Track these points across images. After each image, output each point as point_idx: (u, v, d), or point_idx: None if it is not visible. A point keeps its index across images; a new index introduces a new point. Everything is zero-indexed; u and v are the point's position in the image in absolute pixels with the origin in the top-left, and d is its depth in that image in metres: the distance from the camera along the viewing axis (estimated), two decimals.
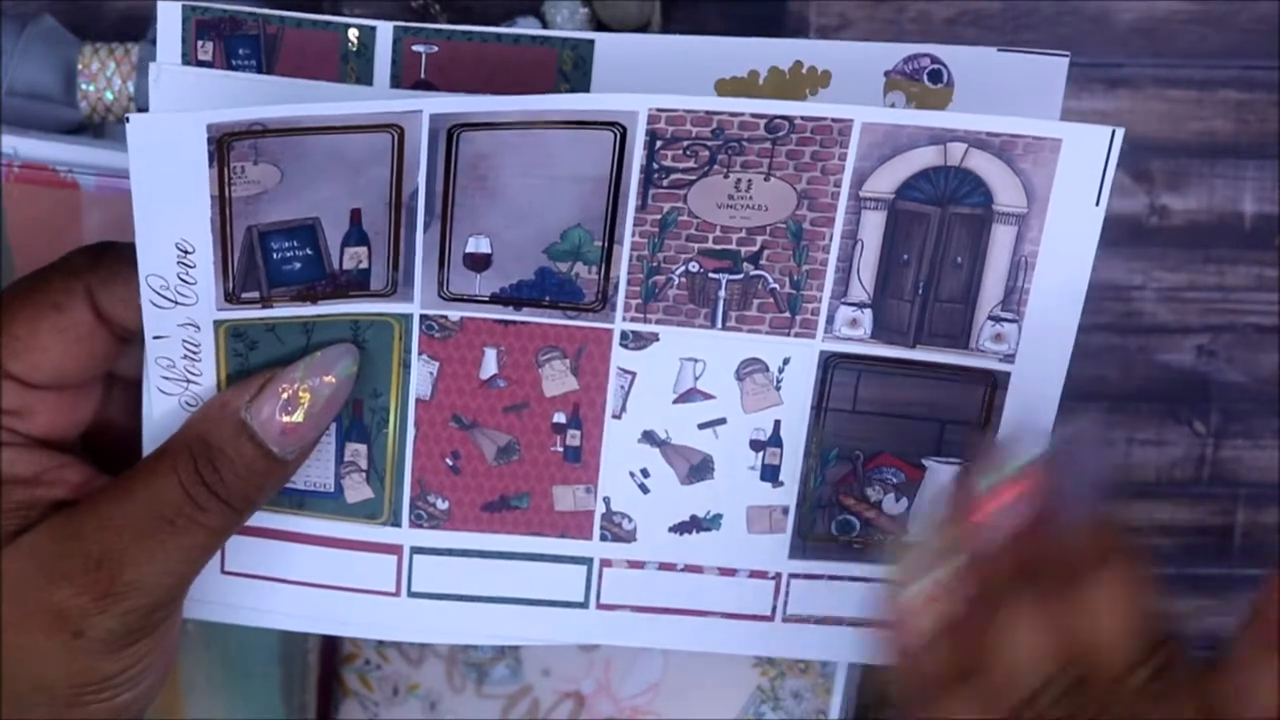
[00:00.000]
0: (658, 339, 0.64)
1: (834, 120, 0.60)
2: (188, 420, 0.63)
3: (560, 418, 0.66)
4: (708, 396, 0.65)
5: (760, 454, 0.66)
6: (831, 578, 0.68)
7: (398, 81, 0.64)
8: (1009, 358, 0.64)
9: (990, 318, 0.63)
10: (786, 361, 0.65)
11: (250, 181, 0.59)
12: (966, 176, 0.61)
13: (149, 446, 0.64)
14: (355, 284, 0.62)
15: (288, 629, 0.70)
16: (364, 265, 0.62)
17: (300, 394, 0.62)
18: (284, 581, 0.68)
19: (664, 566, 0.68)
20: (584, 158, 0.61)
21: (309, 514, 0.67)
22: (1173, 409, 0.86)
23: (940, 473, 0.66)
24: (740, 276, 0.63)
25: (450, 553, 0.68)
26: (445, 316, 0.64)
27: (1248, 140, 0.84)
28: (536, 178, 0.61)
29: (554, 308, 0.64)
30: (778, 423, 0.66)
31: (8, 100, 0.77)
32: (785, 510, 0.67)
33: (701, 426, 0.66)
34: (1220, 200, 0.84)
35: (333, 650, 0.87)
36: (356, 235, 0.61)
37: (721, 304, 0.64)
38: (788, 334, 0.64)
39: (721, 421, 0.66)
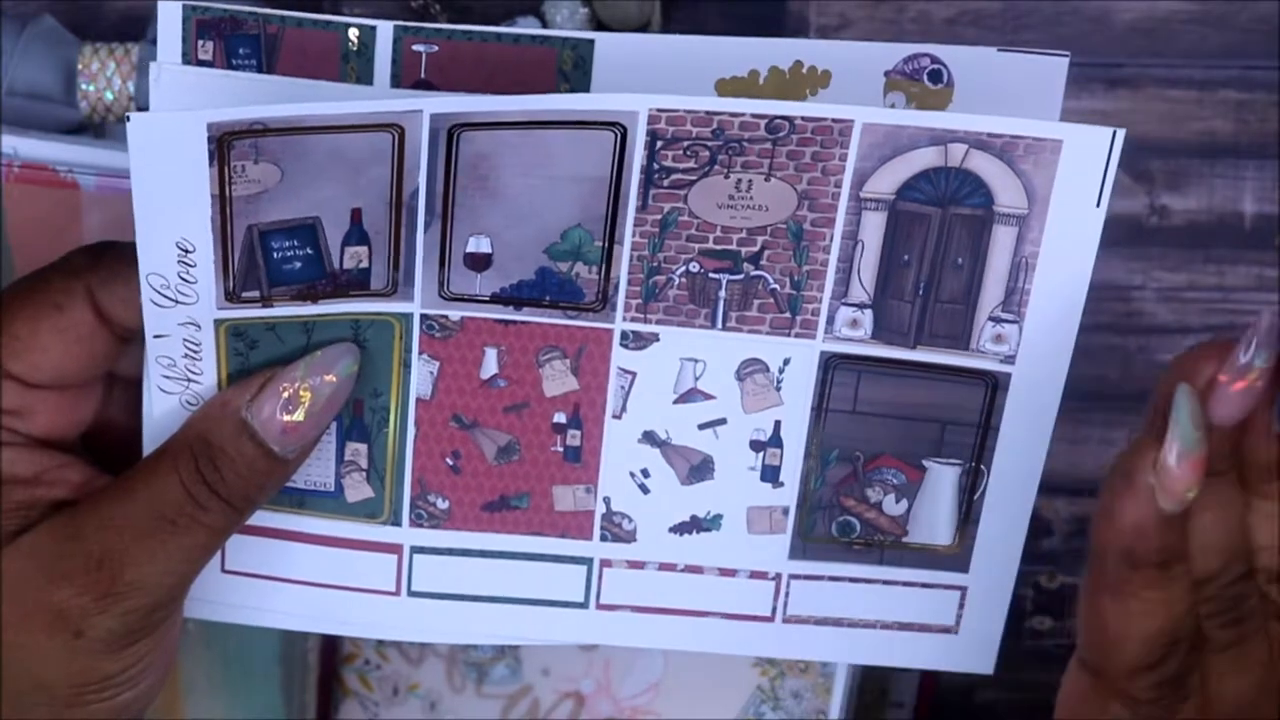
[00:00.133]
0: (658, 339, 0.64)
1: (835, 121, 0.60)
2: (188, 419, 0.63)
3: (560, 418, 0.66)
4: (708, 397, 0.65)
5: (760, 454, 0.66)
6: (832, 578, 0.68)
7: (398, 81, 0.64)
8: (1010, 359, 0.64)
9: (991, 319, 0.63)
10: (787, 362, 0.65)
11: (251, 180, 0.59)
12: (967, 177, 0.61)
13: (149, 446, 0.64)
14: (355, 283, 0.62)
15: (288, 628, 0.70)
16: (364, 265, 0.62)
17: (301, 393, 0.62)
18: (284, 581, 0.68)
19: (664, 567, 0.68)
20: (584, 158, 0.60)
21: (309, 513, 0.67)
22: None
23: (940, 474, 0.66)
24: (741, 277, 0.63)
25: (450, 552, 0.68)
26: (446, 316, 0.64)
27: (1248, 140, 0.84)
28: (537, 178, 0.61)
29: (554, 307, 0.64)
30: (778, 423, 0.66)
31: (8, 100, 0.77)
32: (785, 511, 0.67)
33: (702, 427, 0.66)
34: (1220, 200, 0.84)
35: (333, 650, 0.87)
36: (357, 235, 0.61)
37: (722, 304, 0.64)
38: (788, 334, 0.64)
39: (722, 422, 0.66)
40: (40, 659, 0.61)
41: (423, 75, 0.64)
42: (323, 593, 0.68)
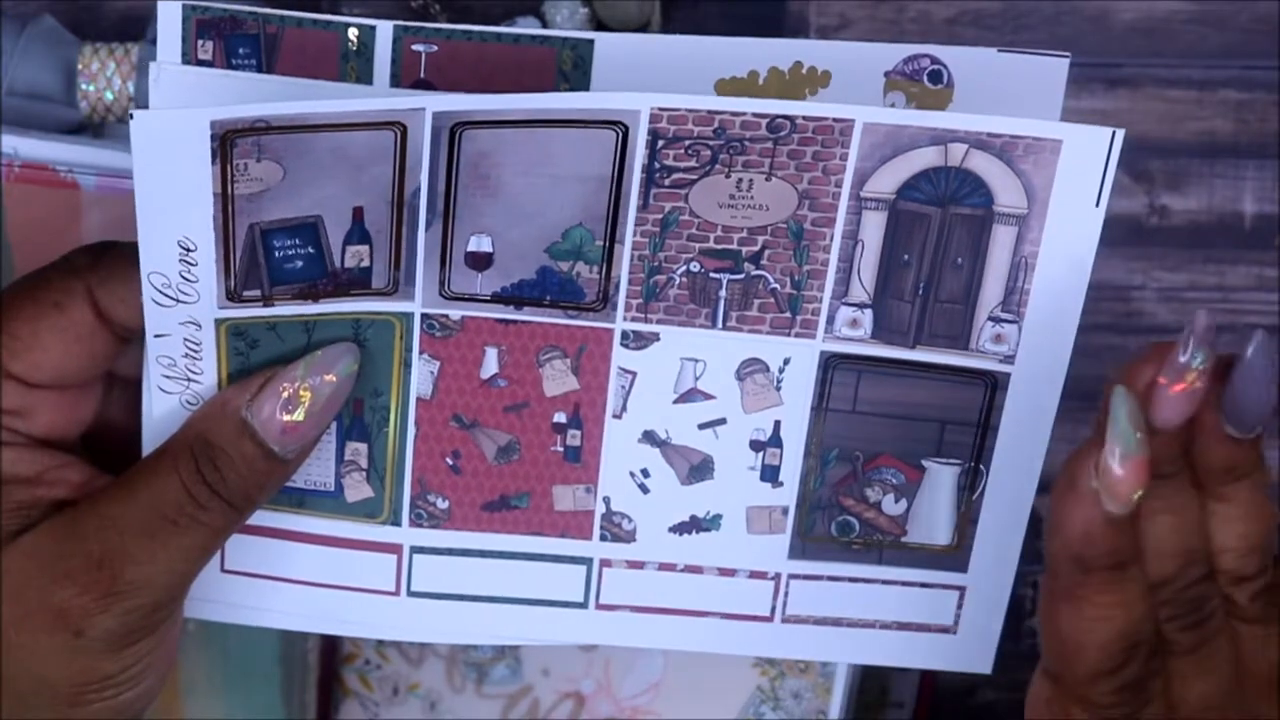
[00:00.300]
0: (658, 339, 0.65)
1: (835, 120, 0.60)
2: (188, 419, 0.63)
3: (561, 417, 0.66)
4: (708, 396, 0.65)
5: (760, 454, 0.66)
6: (831, 578, 0.68)
7: (397, 81, 0.64)
8: (1009, 358, 0.64)
9: (990, 318, 0.63)
10: (787, 362, 0.65)
11: (253, 179, 0.59)
12: (967, 177, 0.61)
13: (149, 446, 0.64)
14: (357, 282, 0.62)
15: (288, 628, 0.70)
16: (365, 264, 0.62)
17: (301, 393, 0.62)
18: (284, 580, 0.68)
19: (664, 567, 0.68)
20: (586, 157, 0.61)
21: (309, 513, 0.67)
22: None
23: (940, 474, 0.66)
24: (741, 276, 0.63)
25: (450, 552, 0.68)
26: (446, 315, 0.64)
27: (1248, 140, 0.84)
28: (538, 176, 0.61)
29: (555, 307, 0.64)
30: (778, 423, 0.66)
31: (8, 100, 0.77)
32: (785, 511, 0.67)
33: (702, 427, 0.66)
34: (1220, 200, 0.84)
35: (333, 650, 0.87)
36: (358, 233, 0.61)
37: (722, 304, 0.64)
38: (788, 334, 0.64)
39: (722, 422, 0.66)
40: (41, 658, 0.61)
41: (422, 75, 0.64)
42: (322, 593, 0.68)
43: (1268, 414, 0.58)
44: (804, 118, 0.60)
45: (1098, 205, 0.61)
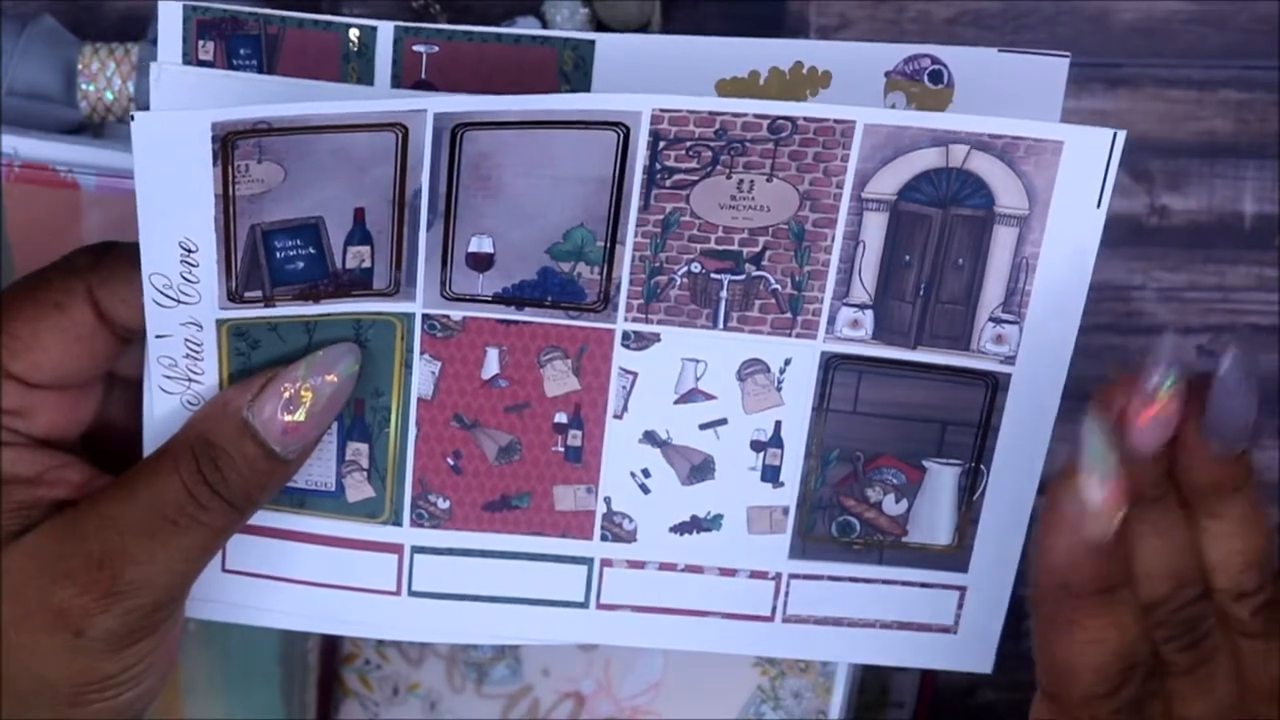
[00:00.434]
0: (659, 339, 0.65)
1: (836, 121, 0.60)
2: (189, 419, 0.63)
3: (561, 418, 0.66)
4: (709, 397, 0.66)
5: (761, 454, 0.66)
6: (831, 578, 0.68)
7: (398, 82, 0.64)
8: (1010, 359, 0.64)
9: (991, 319, 0.64)
10: (788, 362, 0.65)
11: (254, 180, 0.59)
12: (968, 178, 0.61)
13: (150, 446, 0.64)
14: (358, 283, 0.62)
15: (288, 628, 0.70)
16: (367, 264, 0.62)
17: (302, 393, 0.62)
18: (285, 580, 0.68)
19: (664, 567, 0.68)
20: (587, 158, 0.61)
21: (310, 513, 0.67)
22: None
23: (940, 474, 0.66)
24: (742, 277, 0.63)
25: (451, 552, 0.68)
26: (447, 316, 0.64)
27: (1248, 140, 0.84)
28: (539, 177, 0.61)
29: (556, 308, 0.64)
30: (779, 423, 0.66)
31: (8, 100, 0.77)
32: (785, 511, 0.67)
33: (703, 427, 0.66)
34: (1220, 200, 0.84)
35: (333, 650, 0.86)
36: (359, 234, 0.61)
37: (723, 304, 0.64)
38: (789, 335, 0.64)
39: (723, 422, 0.66)
40: (41, 659, 0.61)
41: (423, 76, 0.64)
42: (323, 592, 0.69)
43: (1249, 429, 0.58)
44: (805, 119, 0.60)
45: (1099, 206, 0.61)
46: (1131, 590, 0.59)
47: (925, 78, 0.63)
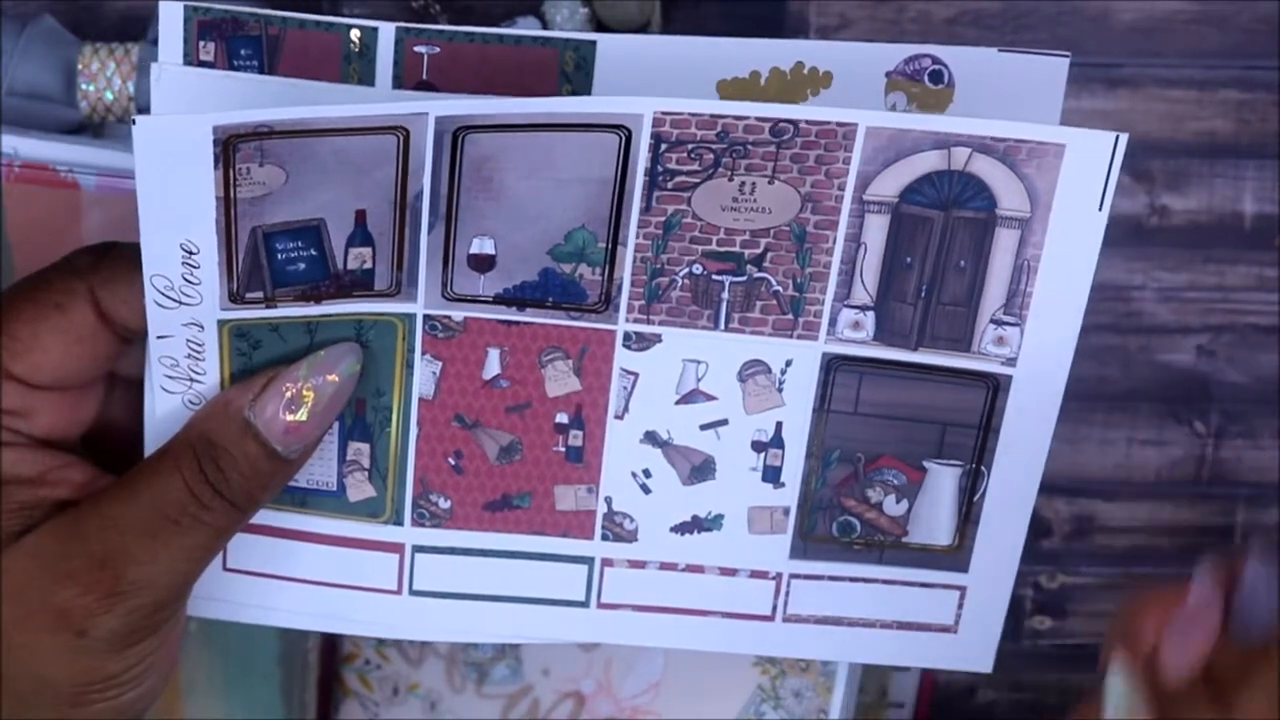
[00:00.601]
0: (660, 340, 0.65)
1: (838, 124, 0.60)
2: (191, 419, 0.63)
3: (563, 418, 0.66)
4: (710, 398, 0.66)
5: (762, 455, 0.66)
6: (832, 578, 0.68)
7: (400, 83, 0.64)
8: (1011, 361, 0.64)
9: (993, 321, 0.64)
10: (789, 363, 0.65)
11: (255, 183, 0.59)
12: (970, 181, 0.61)
13: (151, 446, 0.64)
14: (359, 284, 0.62)
15: (289, 627, 0.70)
16: (368, 265, 0.62)
17: (304, 392, 0.62)
18: (286, 579, 0.68)
19: (665, 566, 0.68)
20: (589, 160, 0.61)
21: (311, 512, 0.67)
22: (1173, 409, 0.86)
23: (941, 475, 0.67)
24: (743, 279, 0.63)
25: (452, 551, 0.68)
26: (449, 316, 0.64)
27: (1248, 140, 0.84)
28: (541, 179, 0.61)
29: (557, 308, 0.64)
30: (779, 424, 0.66)
31: (8, 100, 0.77)
32: (786, 511, 0.67)
33: (704, 427, 0.66)
34: (1220, 200, 0.84)
35: (333, 650, 0.86)
36: (361, 236, 0.61)
37: (724, 306, 0.64)
38: (790, 336, 0.64)
39: (723, 423, 0.66)
40: (43, 659, 0.61)
41: (424, 77, 0.64)
42: (325, 591, 0.69)
43: (1273, 624, 0.58)
44: (807, 122, 0.60)
45: (1101, 209, 0.61)
46: None
47: (926, 78, 0.63)
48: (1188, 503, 0.87)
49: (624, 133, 0.60)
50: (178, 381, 0.63)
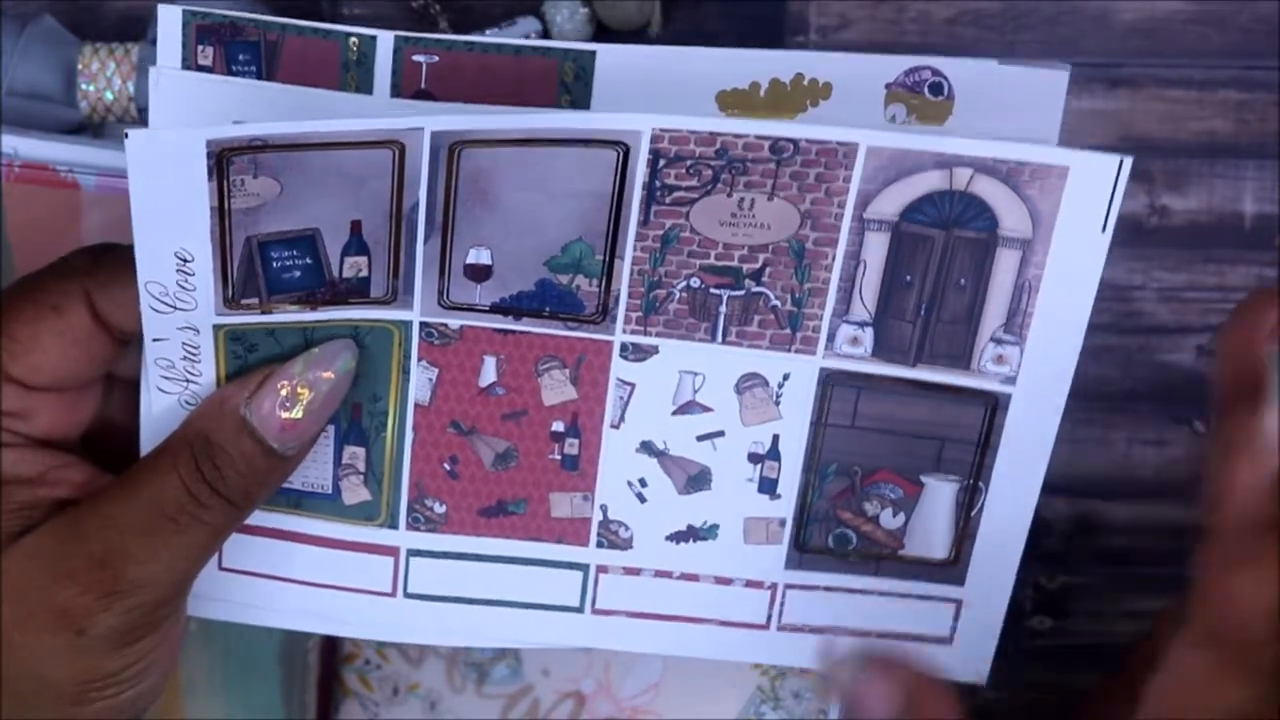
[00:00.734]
0: (658, 351, 0.64)
1: (839, 143, 0.59)
2: (188, 417, 0.63)
3: (559, 426, 0.66)
4: (706, 409, 0.65)
5: (758, 466, 0.66)
6: (827, 589, 0.68)
7: (398, 91, 0.63)
8: (1010, 379, 0.63)
9: (993, 339, 0.63)
10: (786, 377, 0.64)
11: (250, 194, 0.59)
12: (972, 201, 0.60)
13: (147, 444, 0.64)
14: (355, 291, 0.62)
15: (284, 627, 0.70)
16: (364, 274, 0.61)
17: (299, 390, 0.62)
18: (281, 579, 0.68)
19: (660, 574, 0.68)
20: (586, 175, 0.60)
21: (306, 514, 0.67)
22: (1173, 409, 0.85)
23: (938, 490, 0.66)
24: (741, 293, 0.62)
25: (446, 555, 0.68)
26: (445, 324, 0.63)
27: (1248, 140, 0.83)
28: (537, 193, 0.60)
29: (554, 318, 0.63)
30: (776, 437, 0.65)
31: (8, 100, 0.76)
32: (782, 522, 0.67)
33: (700, 438, 0.65)
34: (1220, 200, 0.84)
35: (333, 650, 0.86)
36: (356, 245, 0.61)
37: (722, 319, 0.63)
38: (788, 350, 0.63)
39: (720, 434, 0.65)
40: (44, 658, 0.61)
41: (423, 85, 0.63)
42: (319, 592, 0.68)
43: None
44: (807, 140, 0.59)
45: (1104, 231, 0.61)
46: None
47: (925, 89, 0.62)
48: (1188, 503, 0.86)
49: (622, 148, 0.59)
50: (174, 382, 0.63)
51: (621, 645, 0.69)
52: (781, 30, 0.81)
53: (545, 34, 0.78)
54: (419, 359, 0.64)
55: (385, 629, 0.70)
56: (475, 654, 0.86)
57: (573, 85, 0.63)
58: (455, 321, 0.63)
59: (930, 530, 0.67)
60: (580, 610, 0.68)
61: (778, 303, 0.63)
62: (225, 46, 0.62)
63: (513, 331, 0.64)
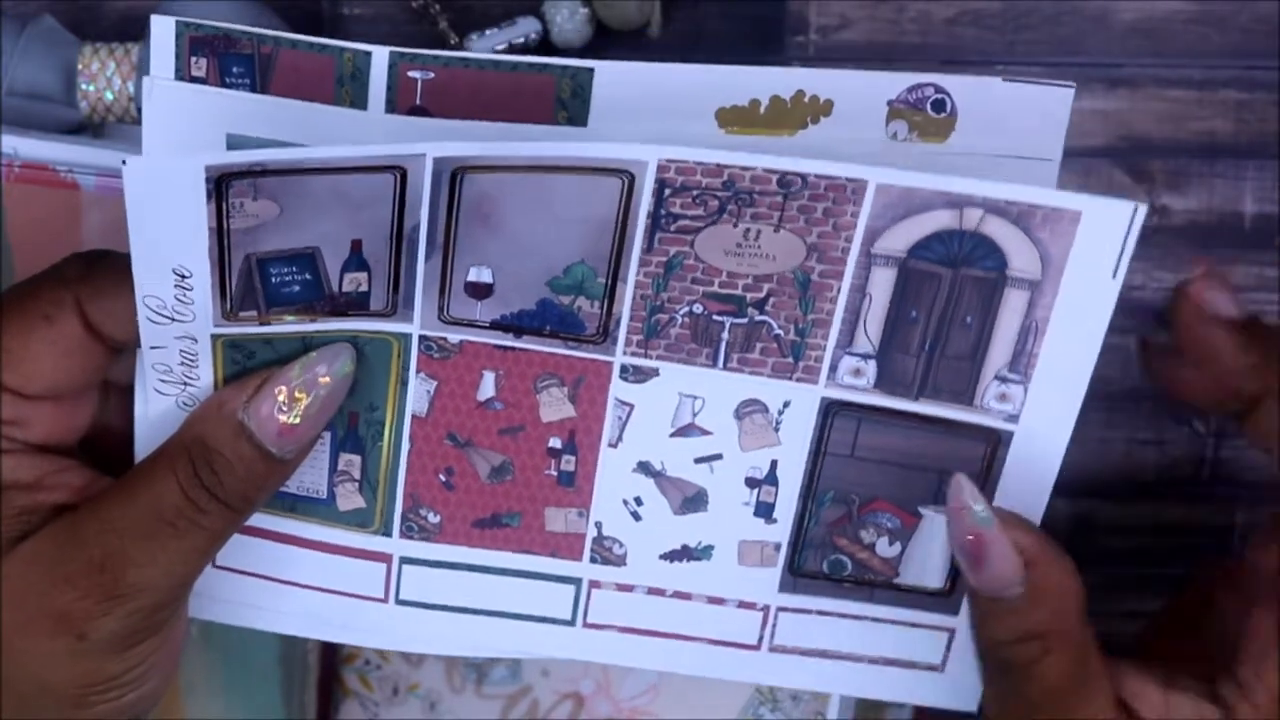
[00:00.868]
0: (658, 374, 0.62)
1: (848, 180, 0.57)
2: (185, 421, 0.62)
3: (556, 443, 0.64)
4: (705, 432, 0.63)
5: (755, 491, 0.64)
6: (820, 613, 0.66)
7: (393, 106, 0.61)
8: (1013, 418, 0.61)
9: (997, 377, 0.60)
10: (787, 404, 0.62)
11: (249, 215, 0.57)
12: (982, 241, 0.58)
13: (141, 448, 0.63)
14: (354, 304, 0.60)
15: (277, 630, 0.69)
16: (364, 288, 0.60)
17: (297, 394, 0.61)
18: (276, 581, 0.67)
19: (653, 591, 0.66)
20: (589, 201, 0.58)
21: (301, 518, 0.66)
22: (1173, 409, 0.85)
23: (936, 521, 0.64)
24: (744, 320, 0.61)
25: (440, 564, 0.67)
26: (445, 338, 0.62)
27: (1248, 140, 0.82)
28: (540, 217, 0.58)
29: (554, 337, 0.61)
30: (774, 462, 0.63)
31: (8, 100, 0.75)
32: (777, 546, 0.65)
33: (698, 461, 0.64)
34: (1220, 200, 0.82)
35: (333, 650, 0.86)
36: (356, 262, 0.59)
37: (724, 345, 0.61)
38: (789, 378, 0.62)
39: (718, 457, 0.64)
40: (44, 662, 0.60)
41: (418, 102, 0.61)
42: (313, 595, 0.68)
43: None
44: (816, 175, 0.57)
45: (1114, 276, 0.59)
46: None
47: (928, 106, 0.60)
48: (1187, 503, 0.86)
49: (627, 177, 0.57)
50: (171, 385, 0.62)
51: (612, 659, 0.68)
52: (781, 30, 0.80)
53: (545, 34, 0.76)
54: (418, 371, 0.63)
55: (377, 635, 0.68)
56: None
57: (569, 102, 0.61)
58: (455, 336, 0.62)
59: (926, 560, 0.65)
60: (571, 623, 0.67)
61: (780, 332, 0.61)
62: (219, 58, 0.61)
63: (513, 348, 0.62)
